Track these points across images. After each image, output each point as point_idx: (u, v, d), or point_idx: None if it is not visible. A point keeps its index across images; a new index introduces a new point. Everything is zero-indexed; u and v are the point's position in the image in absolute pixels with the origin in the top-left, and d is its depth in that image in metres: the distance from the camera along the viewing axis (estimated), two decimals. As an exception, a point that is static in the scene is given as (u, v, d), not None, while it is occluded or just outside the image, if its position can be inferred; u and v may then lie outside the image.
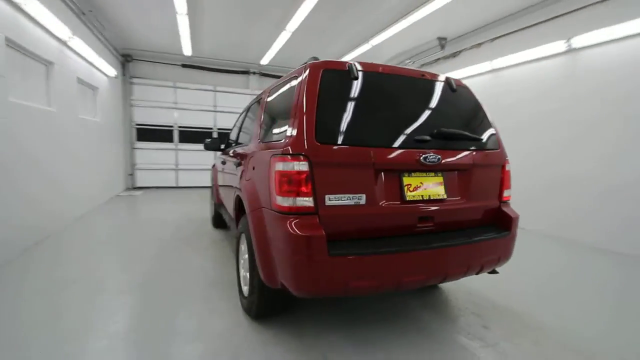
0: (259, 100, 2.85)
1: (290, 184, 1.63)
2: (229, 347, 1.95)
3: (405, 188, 1.81)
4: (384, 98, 1.92)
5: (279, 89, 2.30)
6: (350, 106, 1.81)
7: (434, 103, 2.06)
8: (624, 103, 4.16)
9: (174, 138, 8.92)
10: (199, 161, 9.18)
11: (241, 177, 2.46)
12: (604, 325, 2.37)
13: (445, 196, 1.92)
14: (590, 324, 2.37)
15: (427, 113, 2.02)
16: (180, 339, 2.03)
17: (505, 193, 2.17)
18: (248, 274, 2.27)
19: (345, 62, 1.90)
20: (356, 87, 1.85)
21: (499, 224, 2.11)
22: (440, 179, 1.92)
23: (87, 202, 5.55)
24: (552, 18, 5.01)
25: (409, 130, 1.89)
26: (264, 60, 8.62)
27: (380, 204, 1.74)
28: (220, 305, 2.48)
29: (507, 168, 2.18)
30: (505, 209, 2.14)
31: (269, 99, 2.43)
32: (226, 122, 9.39)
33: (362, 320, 2.31)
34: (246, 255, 2.29)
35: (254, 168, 2.12)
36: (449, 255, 1.79)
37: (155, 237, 4.22)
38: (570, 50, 4.80)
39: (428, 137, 1.87)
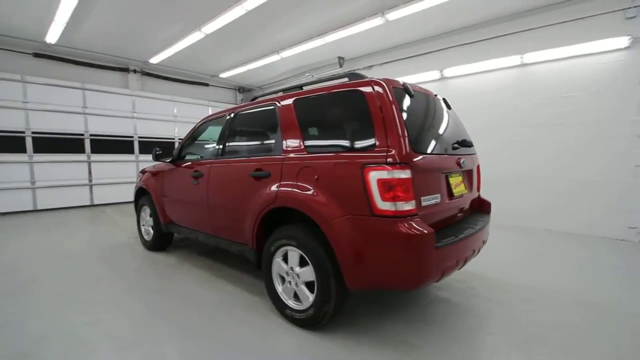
0: (267, 109, 2.79)
1: (395, 190, 1.87)
2: None
3: (452, 186, 2.31)
4: (428, 112, 2.37)
5: (318, 99, 2.41)
6: (417, 119, 2.17)
7: (446, 117, 2.65)
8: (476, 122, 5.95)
9: (26, 147, 6.74)
10: (67, 175, 7.28)
11: (277, 189, 2.40)
12: (547, 277, 3.52)
13: (466, 191, 2.53)
14: (533, 275, 3.47)
15: (448, 125, 2.58)
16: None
17: (480, 185, 2.97)
18: (303, 287, 2.29)
19: (399, 81, 2.24)
20: (414, 103, 2.23)
21: (482, 209, 2.89)
22: (461, 178, 2.52)
23: None
24: (430, 52, 6.59)
25: (448, 140, 2.41)
26: (155, 59, 7.61)
27: (445, 201, 2.19)
28: (267, 325, 2.40)
29: (479, 167, 2.98)
30: (482, 197, 2.94)
31: (305, 110, 2.47)
32: (102, 126, 7.77)
33: (397, 304, 2.71)
34: (298, 269, 2.31)
35: (317, 178, 2.18)
36: (480, 235, 2.40)
37: (91, 274, 3.35)
38: (443, 78, 6.46)
39: (458, 145, 2.44)
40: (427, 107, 2.43)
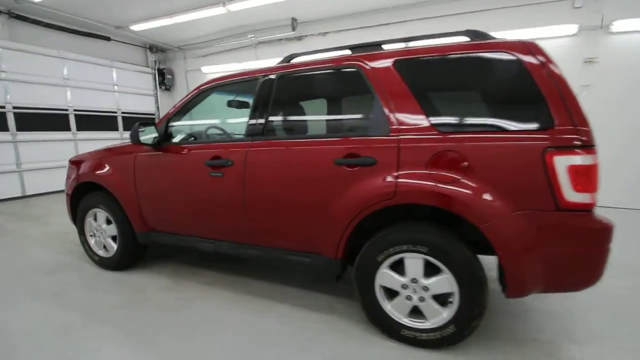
0: (342, 72, 2.10)
1: (587, 178, 1.57)
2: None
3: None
4: None
5: (438, 62, 1.88)
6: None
7: None
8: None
9: None
10: None
11: (394, 180, 1.81)
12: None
13: None
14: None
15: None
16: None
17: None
18: (432, 302, 1.85)
19: None
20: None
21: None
22: None
23: None
24: (391, 23, 6.37)
25: None
26: (38, -5, 5.32)
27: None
28: (385, 353, 1.89)
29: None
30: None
31: (418, 75, 1.89)
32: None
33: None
34: (424, 280, 1.84)
35: (467, 166, 1.70)
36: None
37: (50, 322, 2.12)
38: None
39: None
40: None
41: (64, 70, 6.76)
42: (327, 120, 2.37)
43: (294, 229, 2.18)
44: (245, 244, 2.40)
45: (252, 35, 7.32)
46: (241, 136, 2.33)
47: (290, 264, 2.26)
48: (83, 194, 3.06)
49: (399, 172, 1.82)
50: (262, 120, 2.26)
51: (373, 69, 1.99)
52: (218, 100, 2.64)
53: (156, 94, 8.95)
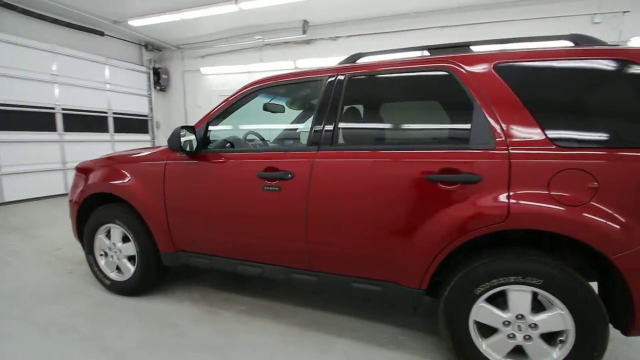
0: (429, 75, 1.85)
1: None
2: None
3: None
4: None
5: (550, 69, 1.68)
6: None
7: None
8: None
9: None
10: None
11: (507, 201, 1.55)
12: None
13: None
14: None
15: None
16: None
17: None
18: (540, 341, 1.59)
19: None
20: None
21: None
22: None
23: None
24: (408, 30, 6.24)
25: None
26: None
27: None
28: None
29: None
30: None
31: (527, 82, 1.69)
32: None
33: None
34: (532, 316, 1.58)
35: (597, 188, 1.46)
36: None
37: None
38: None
39: None
40: None
41: (53, 66, 6.18)
42: (412, 128, 2.09)
43: (367, 254, 1.88)
44: (301, 269, 2.08)
45: (260, 37, 7.00)
46: (308, 145, 2.00)
47: (355, 293, 1.95)
48: (91, 207, 2.65)
49: (512, 192, 1.57)
50: (330, 127, 1.95)
51: (471, 72, 1.74)
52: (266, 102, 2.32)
53: (150, 94, 8.42)
